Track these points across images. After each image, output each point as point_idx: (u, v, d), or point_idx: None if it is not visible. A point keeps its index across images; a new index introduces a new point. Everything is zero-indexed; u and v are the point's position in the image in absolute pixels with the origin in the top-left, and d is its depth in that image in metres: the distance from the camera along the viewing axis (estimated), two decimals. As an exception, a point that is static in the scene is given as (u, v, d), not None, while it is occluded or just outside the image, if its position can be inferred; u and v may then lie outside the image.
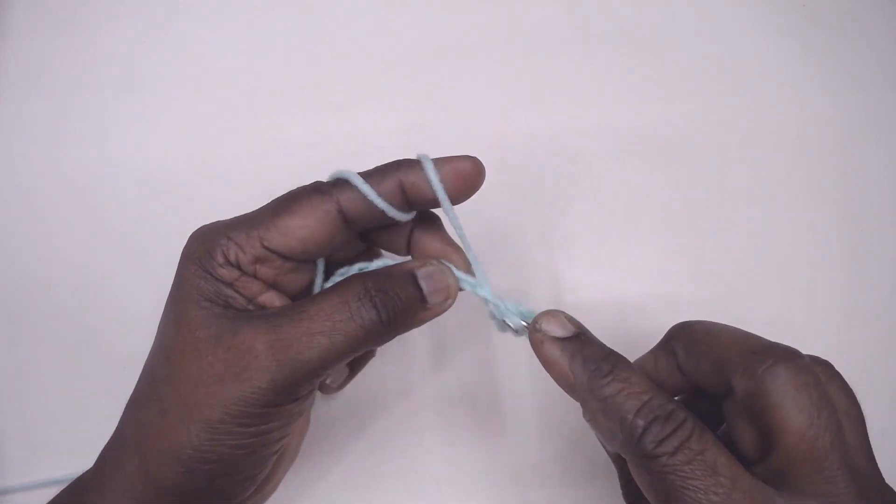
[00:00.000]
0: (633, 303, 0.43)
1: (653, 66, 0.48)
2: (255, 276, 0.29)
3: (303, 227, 0.28)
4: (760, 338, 0.27)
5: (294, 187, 0.30)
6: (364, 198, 0.28)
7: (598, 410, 0.27)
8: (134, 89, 0.47)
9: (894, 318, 0.43)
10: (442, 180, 0.29)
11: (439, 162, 0.29)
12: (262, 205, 0.30)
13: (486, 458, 0.40)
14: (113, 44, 0.48)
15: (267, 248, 0.28)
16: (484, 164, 0.30)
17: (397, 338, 0.29)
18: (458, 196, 0.29)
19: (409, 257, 0.32)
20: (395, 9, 0.49)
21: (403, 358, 0.42)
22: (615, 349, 0.28)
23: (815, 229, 0.45)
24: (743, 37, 0.49)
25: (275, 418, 0.28)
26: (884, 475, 0.26)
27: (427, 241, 0.32)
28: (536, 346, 0.29)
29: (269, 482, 0.32)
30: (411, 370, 0.42)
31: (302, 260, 0.30)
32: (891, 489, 0.26)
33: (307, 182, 0.30)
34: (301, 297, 0.30)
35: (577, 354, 0.28)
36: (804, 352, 0.26)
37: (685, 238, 0.45)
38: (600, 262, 0.44)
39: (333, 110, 0.47)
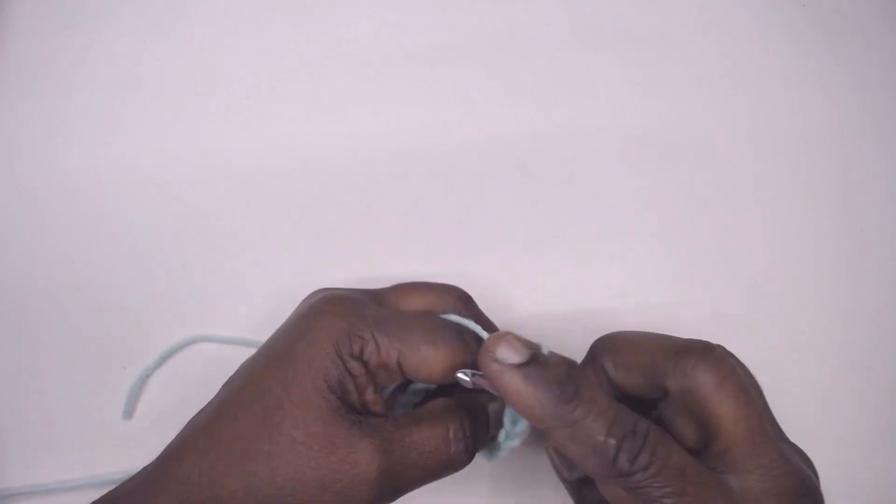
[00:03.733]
0: (632, 304, 0.43)
1: (651, 66, 0.48)
2: (372, 379, 0.29)
3: (436, 367, 0.29)
4: (676, 338, 0.29)
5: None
6: None
7: (568, 438, 0.26)
8: (134, 89, 0.47)
9: (894, 318, 0.43)
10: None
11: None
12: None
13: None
14: (113, 44, 0.48)
15: (399, 365, 0.29)
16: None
17: None
18: None
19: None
20: (395, 9, 0.49)
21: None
22: None
23: (815, 229, 0.45)
24: (742, 36, 0.49)
25: None
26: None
27: None
28: (496, 378, 0.27)
29: None
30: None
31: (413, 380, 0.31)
32: (796, 445, 0.28)
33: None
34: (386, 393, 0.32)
35: (538, 380, 0.26)
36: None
37: (684, 238, 0.44)
38: (596, 263, 0.44)
39: (333, 110, 0.47)
